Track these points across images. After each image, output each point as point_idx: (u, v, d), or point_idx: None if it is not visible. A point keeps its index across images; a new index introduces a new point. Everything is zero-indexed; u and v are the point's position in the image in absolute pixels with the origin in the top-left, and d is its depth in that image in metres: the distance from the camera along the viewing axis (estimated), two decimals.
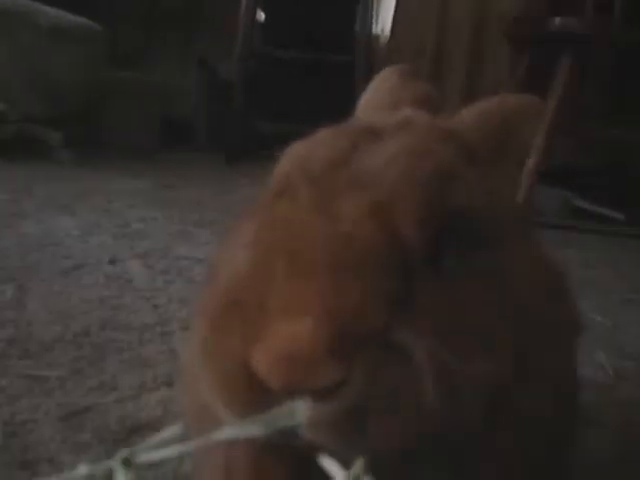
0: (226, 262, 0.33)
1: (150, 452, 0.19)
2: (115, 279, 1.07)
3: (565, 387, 0.41)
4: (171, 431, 0.20)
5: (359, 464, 0.21)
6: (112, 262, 1.15)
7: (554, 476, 0.40)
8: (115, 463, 0.19)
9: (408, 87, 0.45)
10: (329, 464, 0.21)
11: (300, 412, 0.20)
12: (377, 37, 3.03)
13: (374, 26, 3.01)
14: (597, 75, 2.30)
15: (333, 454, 0.23)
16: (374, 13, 2.97)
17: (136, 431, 0.61)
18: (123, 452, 0.19)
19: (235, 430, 0.20)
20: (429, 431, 0.28)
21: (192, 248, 1.32)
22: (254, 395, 0.26)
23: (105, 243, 1.29)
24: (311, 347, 0.25)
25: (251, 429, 0.20)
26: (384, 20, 3.00)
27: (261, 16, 2.89)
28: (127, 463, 0.19)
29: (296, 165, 0.34)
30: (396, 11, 2.71)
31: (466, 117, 0.39)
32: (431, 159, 0.33)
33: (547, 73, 1.83)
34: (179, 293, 1.03)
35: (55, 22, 2.24)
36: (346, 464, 0.22)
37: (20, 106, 2.23)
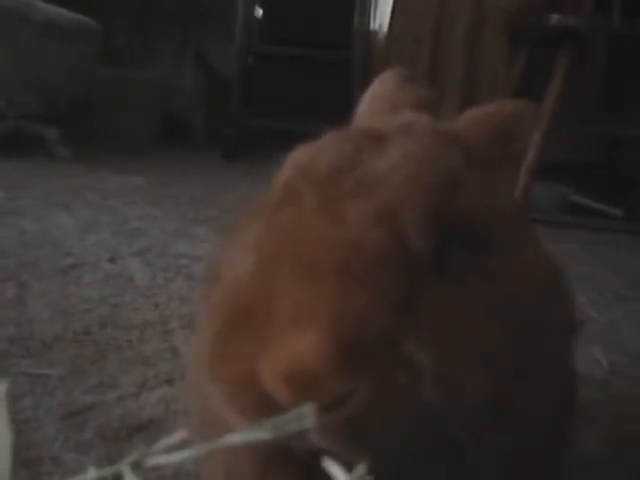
0: (230, 266, 0.33)
1: (159, 456, 0.20)
2: (115, 277, 1.07)
3: (563, 386, 0.42)
4: (178, 435, 0.21)
5: (361, 468, 0.22)
6: (112, 260, 1.16)
7: (551, 473, 0.41)
8: (124, 467, 0.19)
9: (406, 91, 0.45)
10: (332, 467, 0.21)
11: (308, 417, 0.20)
12: (375, 33, 3.03)
13: (372, 22, 3.00)
14: (594, 71, 2.30)
15: (338, 457, 0.23)
16: (372, 9, 2.96)
17: (138, 429, 0.62)
18: (133, 456, 0.20)
19: (243, 435, 0.21)
20: (431, 434, 0.29)
21: (191, 245, 1.32)
22: (263, 403, 0.27)
23: (104, 241, 1.29)
24: (317, 363, 0.25)
25: (259, 433, 0.21)
26: (382, 16, 3.00)
27: (259, 12, 2.88)
28: (136, 467, 0.19)
29: (300, 170, 0.34)
30: (394, 6, 2.70)
31: (465, 122, 0.39)
32: (436, 164, 0.33)
33: (545, 69, 1.83)
34: (179, 291, 1.03)
35: (51, 18, 2.22)
36: (350, 467, 0.22)
37: (17, 103, 2.22)
